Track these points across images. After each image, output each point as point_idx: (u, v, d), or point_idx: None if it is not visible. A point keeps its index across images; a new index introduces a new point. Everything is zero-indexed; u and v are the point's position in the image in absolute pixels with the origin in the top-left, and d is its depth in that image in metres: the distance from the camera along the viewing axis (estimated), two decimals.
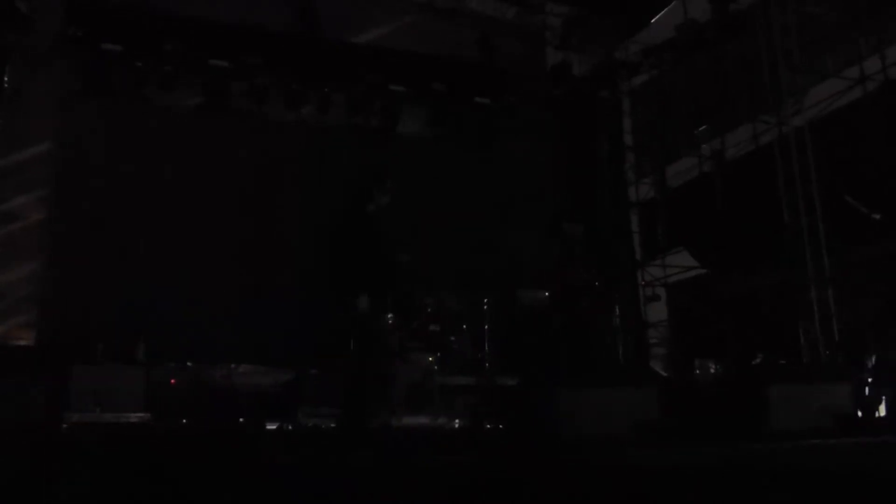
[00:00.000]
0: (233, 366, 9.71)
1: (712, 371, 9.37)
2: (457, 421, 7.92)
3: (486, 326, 8.95)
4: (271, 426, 7.40)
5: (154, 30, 10.19)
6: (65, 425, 7.17)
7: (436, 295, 9.06)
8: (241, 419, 8.15)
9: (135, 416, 7.74)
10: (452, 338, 9.11)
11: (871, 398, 7.96)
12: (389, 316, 8.24)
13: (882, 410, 7.93)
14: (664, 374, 11.18)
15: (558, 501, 3.01)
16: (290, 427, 7.57)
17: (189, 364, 9.21)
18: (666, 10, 11.93)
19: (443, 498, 3.04)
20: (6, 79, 9.48)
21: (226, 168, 10.53)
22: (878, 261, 9.13)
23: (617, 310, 11.30)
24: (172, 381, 8.91)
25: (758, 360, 8.89)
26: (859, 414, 7.54)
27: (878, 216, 8.87)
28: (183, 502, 2.97)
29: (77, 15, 9.83)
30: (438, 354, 8.59)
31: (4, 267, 9.57)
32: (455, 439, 6.95)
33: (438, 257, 9.76)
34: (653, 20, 12.17)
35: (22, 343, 9.29)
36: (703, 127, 11.87)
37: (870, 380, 8.08)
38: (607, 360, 9.95)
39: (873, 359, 8.31)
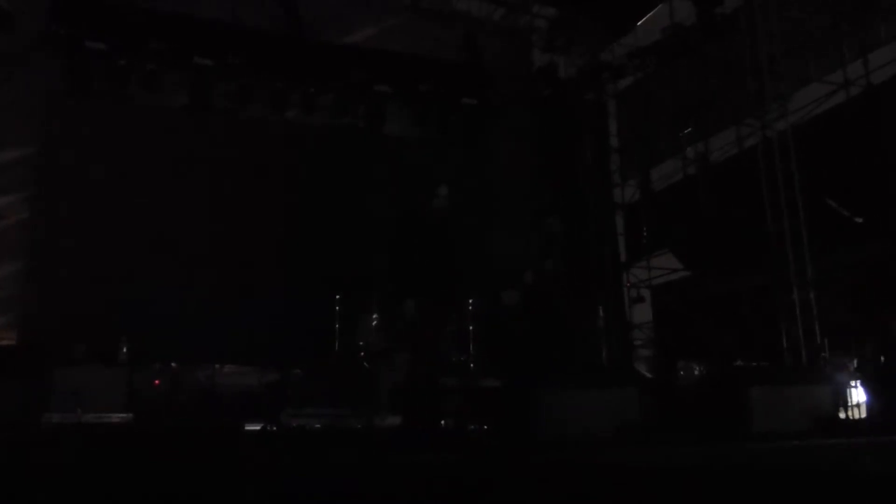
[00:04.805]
0: (217, 367, 9.65)
1: (696, 373, 9.41)
2: (442, 422, 7.89)
3: (471, 328, 8.94)
4: (255, 427, 7.35)
5: (138, 28, 10.11)
6: (45, 426, 7.10)
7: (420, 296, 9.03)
8: (224, 420, 8.09)
9: (116, 417, 7.67)
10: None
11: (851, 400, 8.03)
12: (374, 317, 8.22)
13: (863, 412, 8.00)
14: (648, 375, 11.22)
15: (542, 501, 3.01)
16: (274, 428, 7.53)
17: (172, 365, 9.15)
18: (652, 13, 12.02)
19: (427, 498, 3.04)
20: None
21: (209, 168, 10.46)
22: (859, 263, 9.22)
23: (601, 311, 11.32)
24: (156, 381, 8.85)
25: (739, 363, 8.93)
26: (841, 415, 7.61)
27: (860, 220, 8.95)
28: None
29: (60, 13, 9.74)
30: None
31: None
32: (440, 440, 6.94)
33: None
34: (639, 23, 12.25)
35: (3, 343, 9.20)
36: (688, 130, 11.95)
37: (851, 382, 8.14)
38: (591, 361, 9.98)
39: (855, 361, 8.38)
